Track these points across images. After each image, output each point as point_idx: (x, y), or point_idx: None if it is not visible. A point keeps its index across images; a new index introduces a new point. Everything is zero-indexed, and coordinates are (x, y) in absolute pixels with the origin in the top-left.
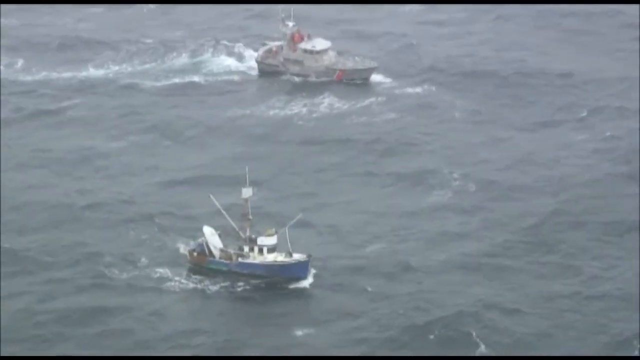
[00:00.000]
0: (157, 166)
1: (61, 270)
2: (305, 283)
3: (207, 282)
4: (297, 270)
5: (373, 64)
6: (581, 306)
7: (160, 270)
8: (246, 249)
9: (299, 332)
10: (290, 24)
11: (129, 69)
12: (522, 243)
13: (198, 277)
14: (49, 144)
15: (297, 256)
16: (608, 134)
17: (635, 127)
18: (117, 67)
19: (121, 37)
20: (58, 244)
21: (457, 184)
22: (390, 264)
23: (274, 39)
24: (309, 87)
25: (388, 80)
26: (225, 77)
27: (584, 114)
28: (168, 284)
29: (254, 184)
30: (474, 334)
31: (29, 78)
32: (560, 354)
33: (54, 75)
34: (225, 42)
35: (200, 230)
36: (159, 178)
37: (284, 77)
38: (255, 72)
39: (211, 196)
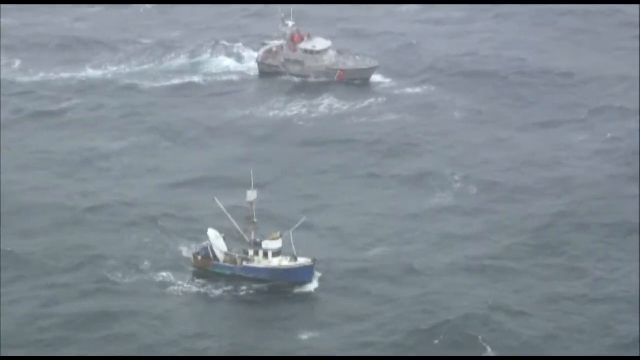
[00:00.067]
0: (158, 168)
1: (64, 274)
2: (311, 287)
3: (210, 286)
4: (302, 275)
5: (374, 63)
6: (586, 309)
7: (164, 274)
8: (251, 252)
9: (304, 336)
10: (290, 23)
11: (127, 69)
12: (526, 245)
13: (201, 281)
14: (50, 145)
15: (302, 260)
16: (609, 135)
17: (635, 127)
18: (115, 68)
19: (119, 38)
20: (61, 247)
21: (459, 186)
22: (394, 266)
23: (272, 39)
24: (308, 88)
25: (387, 80)
26: (225, 78)
27: (585, 114)
28: (171, 287)
29: (256, 186)
30: (480, 337)
31: (27, 79)
32: (567, 355)
33: (52, 75)
34: (224, 42)
35: (203, 232)
36: (161, 180)
37: (283, 78)
38: (254, 73)
39: (216, 199)
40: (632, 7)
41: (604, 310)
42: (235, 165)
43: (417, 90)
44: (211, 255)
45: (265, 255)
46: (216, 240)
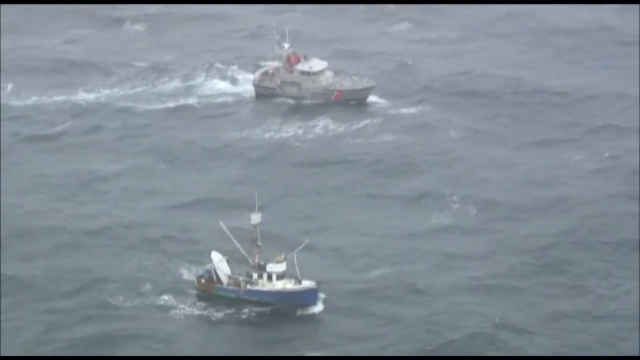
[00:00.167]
0: (156, 190)
1: (65, 298)
2: (315, 309)
3: (212, 309)
4: (307, 298)
5: (371, 83)
6: (589, 326)
7: (165, 297)
8: (255, 275)
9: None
10: (286, 45)
11: (121, 92)
12: (528, 264)
13: (203, 303)
14: (47, 169)
15: (306, 283)
16: (607, 154)
17: (631, 146)
18: (108, 91)
19: (111, 60)
20: (61, 270)
21: (458, 206)
22: (397, 287)
23: (267, 60)
24: (303, 109)
25: (383, 100)
26: (219, 100)
27: (581, 132)
28: (173, 311)
29: (254, 207)
30: (486, 356)
31: (20, 103)
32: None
33: (45, 99)
34: (218, 64)
35: (203, 254)
36: (159, 202)
37: (278, 100)
38: (249, 95)
39: (221, 223)
40: (626, 25)
41: (606, 328)
42: (233, 187)
43: (413, 110)
44: (215, 278)
45: (270, 278)
46: (220, 263)
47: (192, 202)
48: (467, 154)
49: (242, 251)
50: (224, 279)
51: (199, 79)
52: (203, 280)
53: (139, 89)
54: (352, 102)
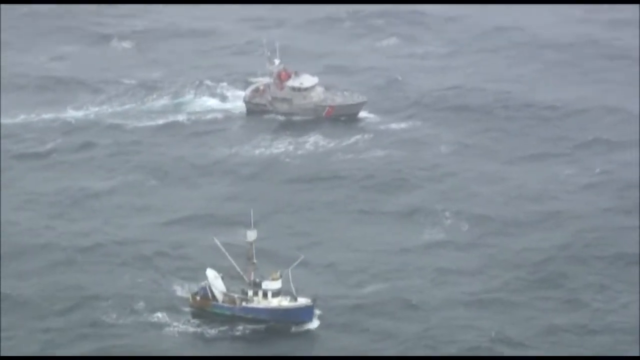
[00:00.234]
0: (148, 206)
1: (59, 316)
2: (311, 325)
3: (206, 326)
4: (302, 315)
5: (362, 98)
6: (585, 340)
7: (159, 314)
8: (250, 292)
9: None
10: (277, 61)
11: (110, 110)
12: (523, 279)
13: (197, 321)
14: (38, 186)
15: (302, 300)
16: (598, 169)
17: (621, 160)
18: (97, 109)
19: (99, 78)
20: (55, 288)
21: (450, 222)
22: (391, 302)
23: (257, 76)
24: (293, 126)
25: (373, 116)
26: (209, 117)
27: (571, 147)
28: (167, 328)
29: (247, 224)
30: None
31: (8, 120)
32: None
33: (34, 117)
34: (207, 81)
35: (196, 271)
36: (151, 219)
37: (268, 116)
38: (238, 111)
39: (216, 240)
40: (615, 39)
41: (603, 341)
42: (224, 204)
43: (404, 125)
44: (210, 295)
45: (265, 295)
46: (215, 281)
47: (184, 218)
48: (458, 168)
49: (238, 268)
50: (219, 297)
51: (188, 96)
52: (198, 298)
53: (127, 106)
54: (343, 118)
